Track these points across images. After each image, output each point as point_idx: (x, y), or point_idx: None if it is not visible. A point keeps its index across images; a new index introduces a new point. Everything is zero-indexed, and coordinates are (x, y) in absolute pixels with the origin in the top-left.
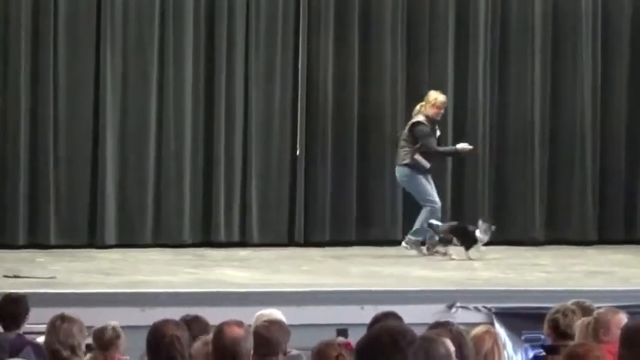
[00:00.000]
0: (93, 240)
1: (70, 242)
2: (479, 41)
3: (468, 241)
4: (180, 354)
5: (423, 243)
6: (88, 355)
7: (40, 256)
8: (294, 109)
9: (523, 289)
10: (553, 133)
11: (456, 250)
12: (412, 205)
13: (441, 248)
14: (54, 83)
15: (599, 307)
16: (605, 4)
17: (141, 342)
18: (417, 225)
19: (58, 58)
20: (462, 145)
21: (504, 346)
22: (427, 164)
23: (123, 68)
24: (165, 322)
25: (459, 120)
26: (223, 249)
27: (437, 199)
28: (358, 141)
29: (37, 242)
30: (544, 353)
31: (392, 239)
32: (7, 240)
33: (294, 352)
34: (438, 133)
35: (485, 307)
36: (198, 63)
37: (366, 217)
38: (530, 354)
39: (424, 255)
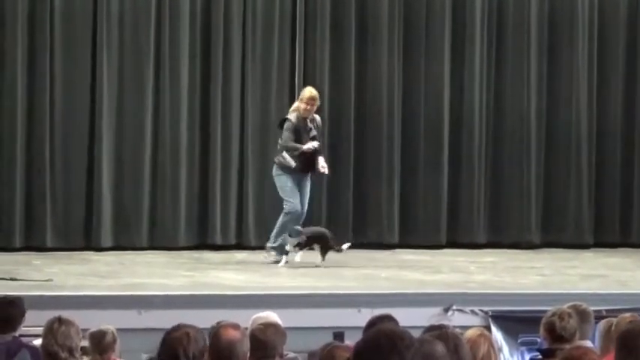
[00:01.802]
0: (89, 243)
1: (66, 245)
2: (475, 42)
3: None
4: (185, 352)
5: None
6: (85, 358)
7: (36, 259)
8: None
9: (519, 292)
10: (549, 136)
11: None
12: (409, 207)
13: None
14: (50, 86)
15: (597, 311)
16: (601, 5)
17: (138, 344)
18: (275, 230)
19: (54, 60)
20: (308, 145)
21: (500, 349)
22: (292, 163)
23: (119, 73)
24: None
25: (454, 122)
26: (220, 252)
27: (297, 203)
28: (354, 144)
29: (33, 245)
30: (540, 356)
31: (388, 242)
32: (3, 243)
33: (290, 355)
34: (313, 132)
35: (482, 310)
36: (195, 67)
37: (363, 220)
38: (527, 357)
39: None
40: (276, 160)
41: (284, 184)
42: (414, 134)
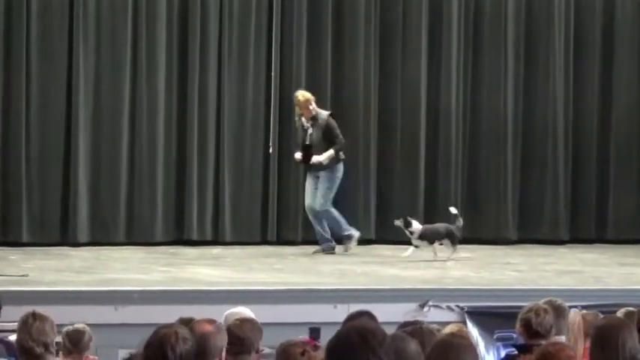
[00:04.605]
0: (65, 238)
1: (43, 240)
2: (452, 41)
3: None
4: (173, 350)
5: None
6: (61, 356)
7: (12, 254)
8: (267, 108)
9: (495, 288)
10: (525, 133)
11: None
12: (386, 203)
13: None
14: (26, 83)
15: (573, 306)
16: (578, 2)
17: (114, 340)
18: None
19: (31, 56)
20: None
21: (477, 345)
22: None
23: (95, 69)
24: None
25: (431, 120)
26: (196, 247)
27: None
28: None
29: (10, 240)
30: (516, 352)
31: (364, 238)
32: None
33: (266, 350)
34: (310, 131)
35: (458, 306)
36: (172, 64)
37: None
38: (503, 353)
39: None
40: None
41: None
42: (391, 131)
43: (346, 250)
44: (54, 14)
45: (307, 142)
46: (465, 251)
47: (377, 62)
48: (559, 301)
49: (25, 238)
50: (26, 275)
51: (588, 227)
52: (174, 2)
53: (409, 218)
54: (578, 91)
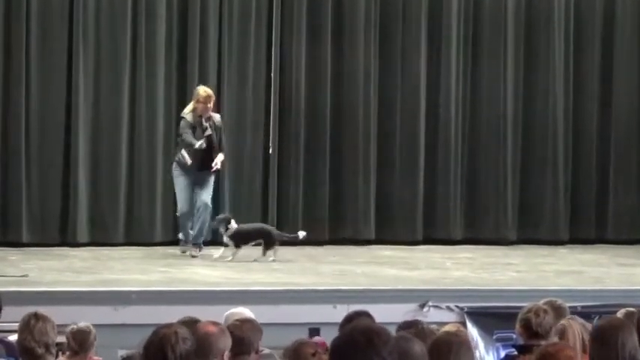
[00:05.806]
0: (65, 238)
1: (43, 240)
2: (451, 40)
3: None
4: (173, 350)
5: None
6: (62, 357)
7: (12, 255)
8: (267, 108)
9: (495, 288)
10: (525, 133)
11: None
12: (386, 204)
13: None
14: (26, 82)
15: (572, 307)
16: (577, 1)
17: (114, 340)
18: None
19: (30, 55)
20: (199, 142)
21: (476, 345)
22: (188, 161)
23: (95, 68)
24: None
25: (431, 119)
26: None
27: (181, 204)
28: (330, 140)
29: (9, 240)
30: (516, 352)
31: (364, 238)
32: None
33: (266, 350)
34: (209, 131)
35: (458, 307)
36: (171, 63)
37: (339, 216)
38: (502, 353)
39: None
40: (175, 158)
41: (177, 182)
42: (391, 131)
43: (193, 255)
44: (53, 14)
45: (205, 145)
46: (465, 251)
47: (376, 62)
48: (559, 301)
49: (24, 239)
50: (26, 275)
51: (588, 227)
52: (174, 2)
53: (229, 216)
54: (578, 91)
